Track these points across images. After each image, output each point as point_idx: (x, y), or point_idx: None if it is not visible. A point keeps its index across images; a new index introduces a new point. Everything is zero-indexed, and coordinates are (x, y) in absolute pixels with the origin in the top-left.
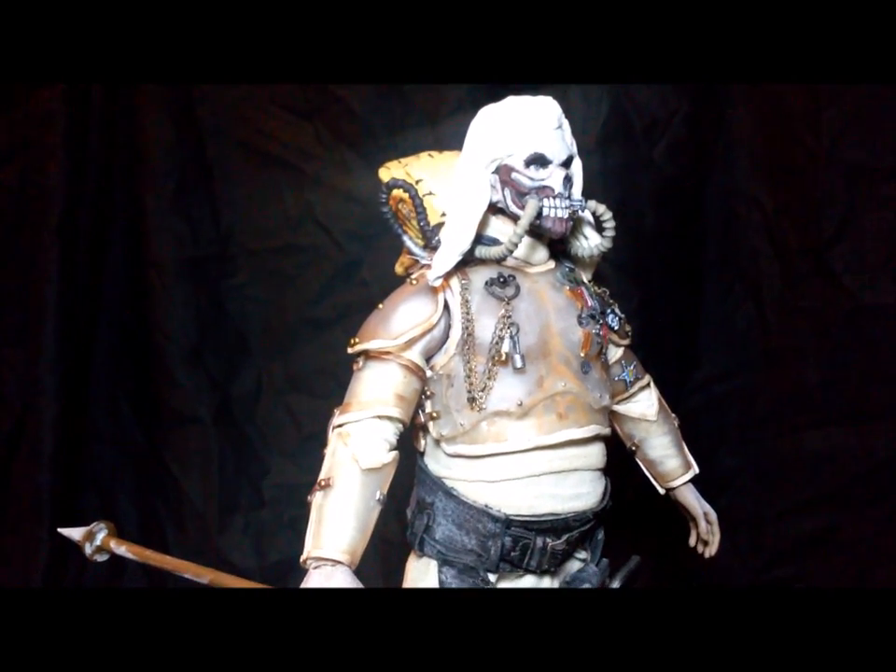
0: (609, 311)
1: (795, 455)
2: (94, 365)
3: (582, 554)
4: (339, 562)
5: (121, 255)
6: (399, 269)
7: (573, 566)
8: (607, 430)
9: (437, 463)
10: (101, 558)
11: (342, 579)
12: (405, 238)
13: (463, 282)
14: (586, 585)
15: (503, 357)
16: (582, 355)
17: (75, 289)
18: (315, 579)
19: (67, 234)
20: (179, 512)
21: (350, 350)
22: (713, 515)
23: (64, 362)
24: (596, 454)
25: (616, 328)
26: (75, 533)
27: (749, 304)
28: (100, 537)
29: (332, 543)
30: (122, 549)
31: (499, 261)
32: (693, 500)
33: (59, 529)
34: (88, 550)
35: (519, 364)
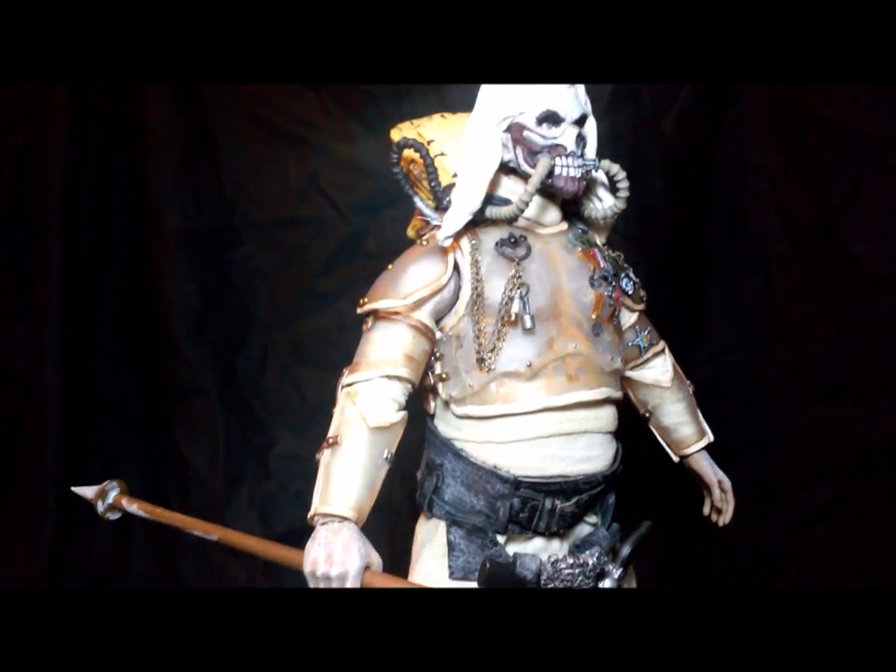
0: (623, 275)
1: (803, 428)
2: (99, 337)
3: (593, 519)
4: (346, 518)
5: (125, 226)
6: (410, 232)
7: (583, 530)
8: (618, 394)
9: (446, 425)
10: (113, 516)
11: (348, 535)
12: (416, 199)
13: (473, 242)
14: (596, 549)
15: (513, 318)
16: (594, 317)
17: (79, 261)
18: (322, 535)
19: (71, 206)
20: (185, 484)
21: (359, 310)
22: (727, 483)
23: (69, 334)
24: (607, 417)
25: (630, 292)
26: (87, 491)
27: (757, 275)
28: (112, 495)
29: (339, 500)
30: (134, 507)
31: (510, 222)
32: (708, 468)
33: (72, 488)
34: (100, 508)
35: (529, 325)
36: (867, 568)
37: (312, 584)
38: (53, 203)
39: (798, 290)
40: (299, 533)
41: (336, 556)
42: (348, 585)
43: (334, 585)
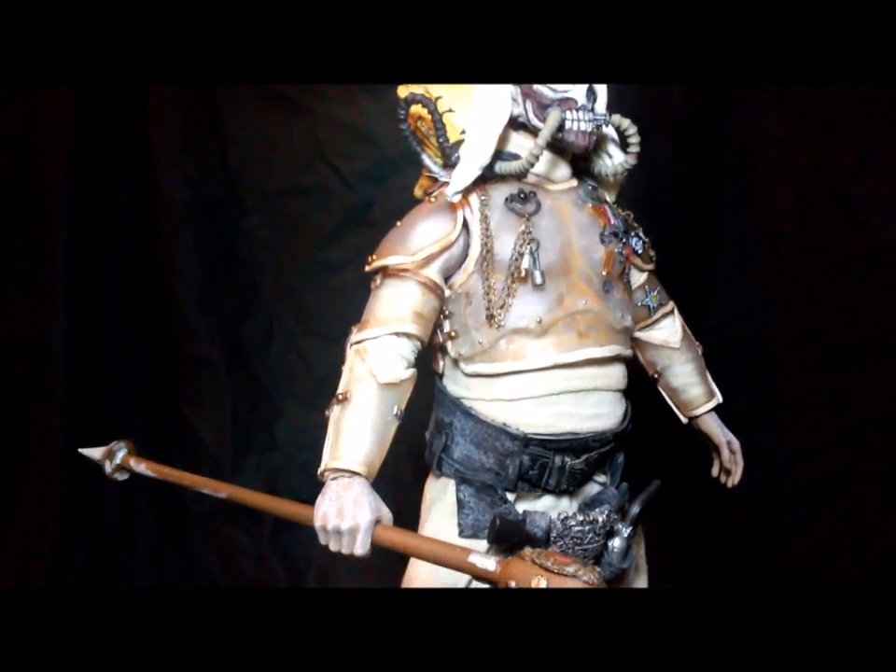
0: (633, 234)
1: (810, 397)
2: (105, 309)
3: (602, 478)
4: (356, 473)
5: (131, 197)
6: (418, 191)
7: (592, 489)
8: (628, 352)
9: (455, 383)
10: (121, 477)
11: (359, 489)
12: (424, 157)
13: (482, 198)
14: (606, 506)
15: (522, 274)
16: (604, 273)
17: (84, 232)
18: (333, 489)
19: (76, 177)
20: (192, 454)
21: (367, 268)
22: (736, 444)
23: (75, 306)
24: (617, 374)
25: (640, 251)
26: (95, 452)
27: (765, 243)
28: (120, 455)
29: (350, 455)
30: (142, 466)
31: (520, 177)
32: (716, 429)
33: (80, 450)
34: (108, 468)
35: (539, 281)
36: (873, 538)
37: (322, 539)
38: (59, 175)
39: (806, 258)
40: (305, 503)
41: (347, 510)
42: (359, 539)
43: (345, 540)
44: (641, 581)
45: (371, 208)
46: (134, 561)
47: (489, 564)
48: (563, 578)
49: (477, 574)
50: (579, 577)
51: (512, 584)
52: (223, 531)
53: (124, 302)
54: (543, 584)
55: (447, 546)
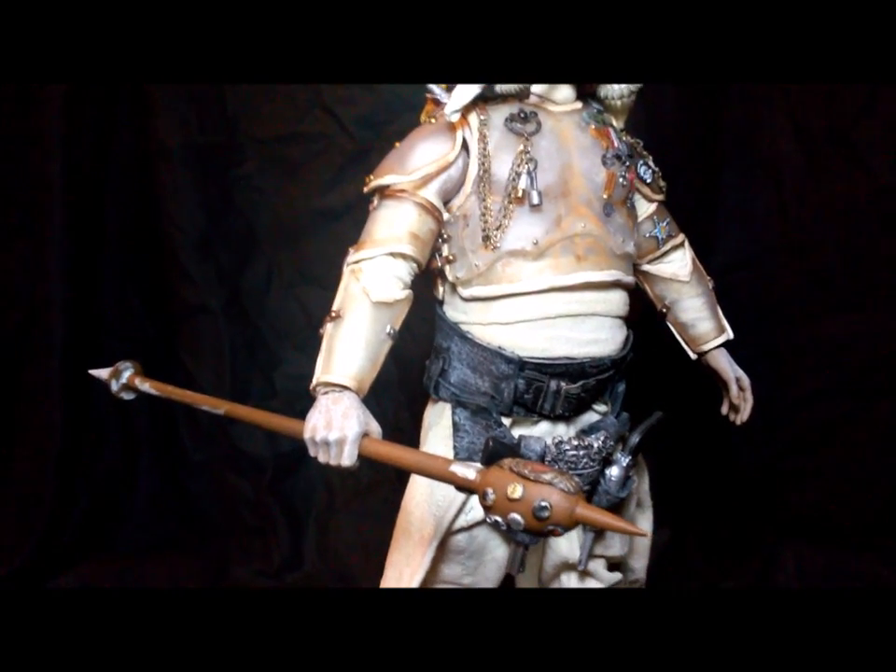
0: (641, 162)
1: (812, 343)
2: (103, 256)
3: (602, 408)
4: (346, 387)
5: (127, 143)
6: (423, 117)
7: (591, 417)
8: (629, 278)
9: (454, 309)
10: (127, 396)
11: (348, 403)
12: None
13: (482, 118)
14: (602, 433)
15: (520, 194)
16: (605, 196)
17: (81, 179)
18: (323, 403)
19: (72, 124)
20: None
21: (365, 189)
22: (746, 381)
23: (72, 253)
24: (617, 300)
25: (649, 180)
26: (102, 372)
27: (768, 188)
28: (126, 374)
29: (341, 369)
30: (146, 385)
31: (521, 98)
32: (726, 365)
33: (89, 371)
34: (114, 387)
35: (535, 201)
36: (874, 483)
37: (312, 451)
38: (55, 123)
39: (810, 202)
40: (305, 451)
41: (335, 422)
42: (346, 450)
43: (332, 451)
44: (645, 519)
45: (370, 155)
46: (134, 509)
47: (469, 473)
48: (539, 485)
49: (458, 483)
50: (555, 484)
51: (490, 491)
52: (223, 478)
53: (122, 249)
54: (519, 491)
55: (430, 457)
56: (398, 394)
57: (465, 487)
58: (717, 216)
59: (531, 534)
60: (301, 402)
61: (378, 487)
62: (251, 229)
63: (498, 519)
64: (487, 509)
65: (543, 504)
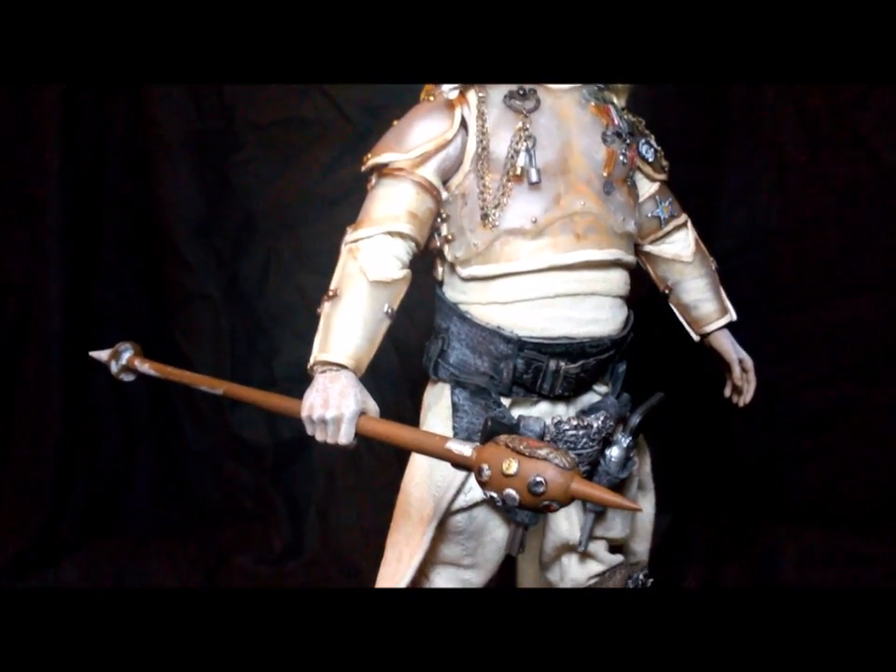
0: (643, 140)
1: (815, 327)
2: (101, 243)
3: (603, 389)
4: (344, 366)
5: (125, 130)
6: (422, 96)
7: (592, 398)
8: (630, 258)
9: (452, 289)
10: (127, 377)
11: (345, 381)
12: None
13: (480, 95)
14: (602, 413)
15: (518, 172)
16: (605, 174)
17: (79, 165)
18: (320, 381)
19: (70, 109)
20: (191, 389)
21: (363, 168)
22: (749, 362)
23: (70, 241)
24: (617, 280)
25: (651, 160)
26: (102, 354)
27: (771, 170)
28: (125, 356)
29: (338, 348)
30: (146, 366)
31: None
32: (729, 346)
33: (89, 353)
34: (114, 368)
35: (534, 178)
36: (877, 468)
37: (309, 430)
38: (52, 108)
39: (812, 186)
40: (305, 439)
41: (332, 401)
42: (343, 429)
43: (330, 429)
44: (647, 502)
45: (369, 140)
46: (134, 496)
47: (465, 449)
48: (534, 460)
49: (454, 460)
50: (550, 460)
51: (485, 467)
52: (223, 467)
53: (119, 236)
54: (514, 467)
55: (427, 434)
56: (399, 381)
57: (461, 464)
58: (719, 199)
59: (527, 509)
60: (301, 389)
61: (379, 474)
62: (249, 215)
63: (494, 495)
64: (483, 484)
65: (538, 479)
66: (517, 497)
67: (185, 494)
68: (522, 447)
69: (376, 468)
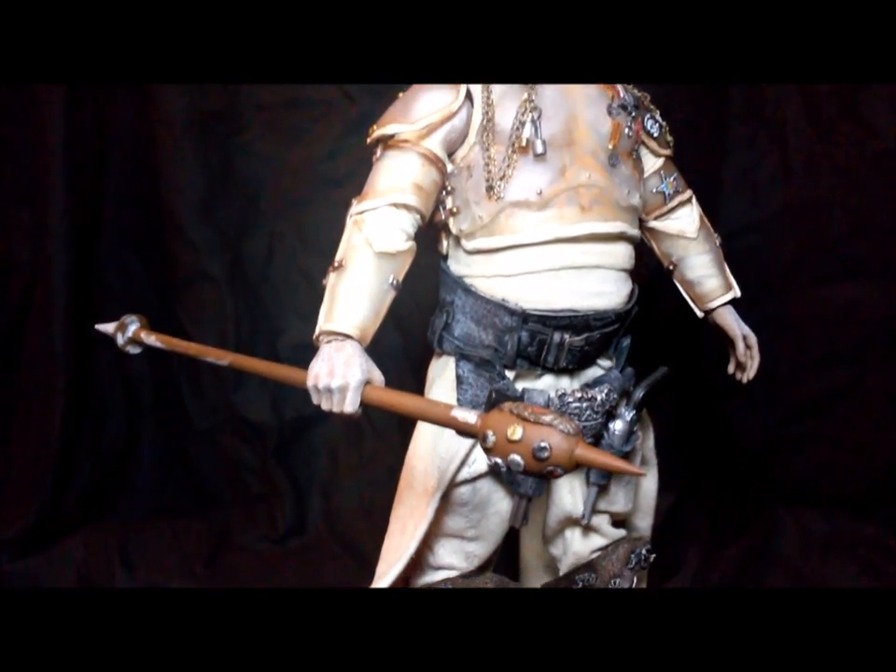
0: (648, 115)
1: (816, 310)
2: (105, 223)
3: (607, 363)
4: (349, 336)
5: (129, 110)
6: None
7: (596, 372)
8: (634, 231)
9: (457, 262)
10: (133, 350)
11: (351, 351)
12: None
13: None
14: (605, 385)
15: (524, 143)
16: (610, 146)
17: (82, 145)
18: (326, 351)
19: (74, 90)
20: (194, 370)
21: (368, 140)
22: (753, 338)
23: (74, 220)
24: (622, 253)
25: (656, 134)
26: (108, 327)
27: (773, 152)
28: (131, 328)
29: (343, 319)
30: (152, 338)
31: None
32: (732, 322)
33: (95, 326)
34: (120, 341)
35: (540, 150)
36: (877, 451)
37: (315, 399)
38: (56, 88)
39: (815, 167)
40: (309, 419)
41: (338, 370)
42: (348, 397)
43: (335, 398)
44: (650, 477)
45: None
46: (137, 477)
47: (470, 417)
48: (539, 426)
49: (459, 427)
50: (555, 426)
51: (490, 434)
52: (227, 446)
53: (124, 217)
54: (519, 433)
55: (431, 403)
56: (402, 361)
57: (466, 431)
58: (722, 181)
59: (531, 475)
60: (306, 368)
61: (381, 454)
62: (252, 196)
63: (498, 461)
64: (487, 451)
65: (543, 445)
66: (522, 462)
67: (188, 473)
68: (526, 413)
69: (379, 447)
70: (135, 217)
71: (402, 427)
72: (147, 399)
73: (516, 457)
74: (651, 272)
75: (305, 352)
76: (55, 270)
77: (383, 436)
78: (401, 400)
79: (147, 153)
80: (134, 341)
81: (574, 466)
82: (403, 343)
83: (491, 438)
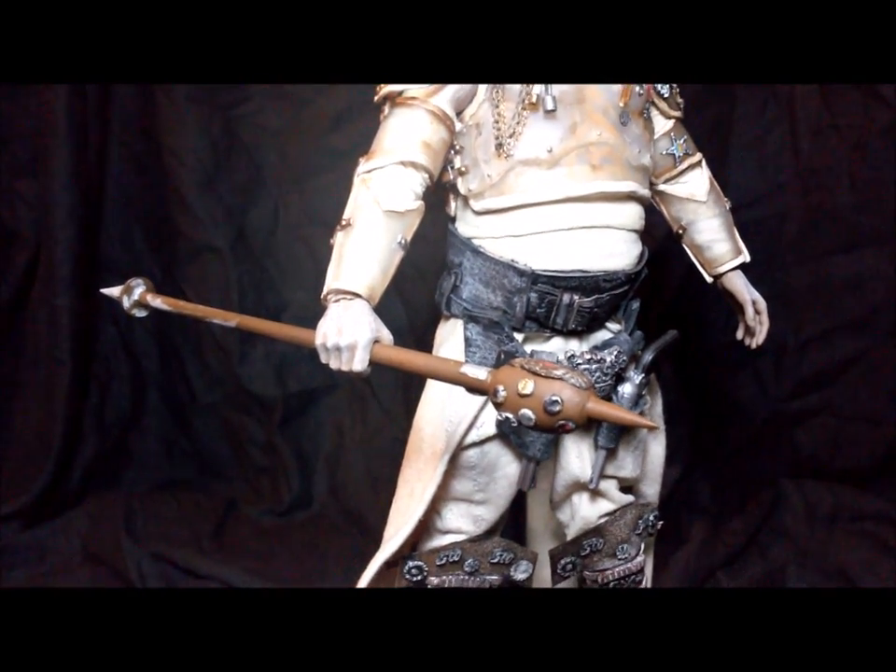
0: None
1: (823, 282)
2: (107, 195)
3: (616, 327)
4: (357, 295)
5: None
6: None
7: (605, 335)
8: (645, 191)
9: (465, 224)
10: (139, 313)
11: (359, 309)
12: None
13: None
14: (615, 348)
15: (534, 100)
16: (621, 104)
17: (85, 118)
18: (334, 310)
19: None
20: (199, 343)
21: (376, 98)
22: (762, 304)
23: (77, 193)
24: (632, 214)
25: (666, 95)
26: (114, 290)
27: (782, 123)
28: (137, 291)
29: (351, 277)
30: (158, 301)
31: None
32: (742, 287)
33: (101, 290)
34: (126, 304)
35: (550, 106)
36: (883, 424)
37: (323, 358)
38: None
39: (823, 138)
40: (314, 392)
41: (346, 328)
42: (357, 356)
43: (344, 357)
44: (658, 443)
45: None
46: (142, 450)
47: (480, 373)
48: (550, 380)
49: (469, 384)
50: (566, 380)
51: (501, 388)
52: (232, 419)
53: (127, 190)
54: (530, 387)
55: (441, 360)
56: (407, 339)
57: (476, 388)
58: (729, 152)
59: (542, 430)
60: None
61: (387, 427)
62: (257, 167)
63: (510, 415)
64: (498, 406)
65: (554, 398)
66: (533, 417)
67: (193, 446)
68: (537, 368)
69: (384, 420)
70: (139, 189)
71: (407, 400)
72: (151, 371)
73: (527, 412)
74: (658, 241)
75: (309, 324)
76: (59, 242)
77: (387, 409)
78: (411, 358)
79: (150, 123)
80: (140, 304)
81: (585, 419)
82: (409, 321)
83: (502, 393)
